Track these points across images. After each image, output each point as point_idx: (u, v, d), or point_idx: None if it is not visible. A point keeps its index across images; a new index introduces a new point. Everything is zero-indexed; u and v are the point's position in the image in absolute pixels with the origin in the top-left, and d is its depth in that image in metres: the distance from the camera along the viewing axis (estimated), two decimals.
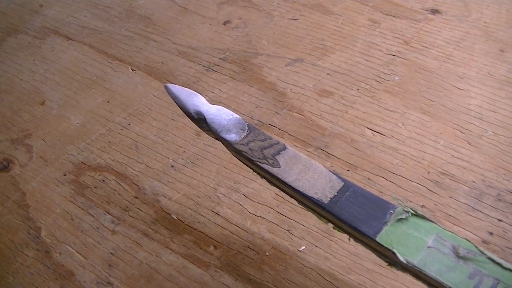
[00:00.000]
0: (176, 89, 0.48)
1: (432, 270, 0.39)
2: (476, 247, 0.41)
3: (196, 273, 0.49)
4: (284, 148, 0.47)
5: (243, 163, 0.47)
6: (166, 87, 0.49)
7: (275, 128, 0.62)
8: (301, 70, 0.70)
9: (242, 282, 0.49)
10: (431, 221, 0.43)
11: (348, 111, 0.63)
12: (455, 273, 0.40)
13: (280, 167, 0.46)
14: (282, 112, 0.64)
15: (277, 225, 0.52)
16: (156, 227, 0.54)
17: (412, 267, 0.40)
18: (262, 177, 0.46)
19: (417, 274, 0.40)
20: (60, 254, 0.53)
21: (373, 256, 0.39)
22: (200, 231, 0.53)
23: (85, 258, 0.52)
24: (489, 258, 0.40)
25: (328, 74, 0.68)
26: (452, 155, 0.57)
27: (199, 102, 0.48)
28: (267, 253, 0.50)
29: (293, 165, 0.46)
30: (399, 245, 0.42)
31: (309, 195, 0.44)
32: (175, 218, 0.54)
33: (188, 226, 0.53)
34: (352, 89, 0.66)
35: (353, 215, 0.43)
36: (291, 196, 0.45)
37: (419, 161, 0.57)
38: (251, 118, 0.63)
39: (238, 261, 0.50)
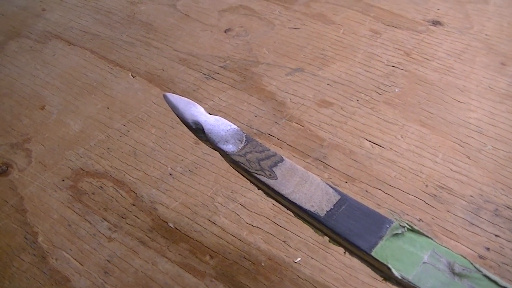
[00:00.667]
0: (175, 98, 0.48)
1: (427, 286, 0.39)
2: (472, 263, 0.41)
3: (192, 282, 0.49)
4: (282, 160, 0.47)
5: (240, 174, 0.47)
6: (164, 96, 0.49)
7: (274, 138, 0.62)
8: (301, 79, 0.70)
9: None
10: (427, 236, 0.43)
11: (347, 122, 0.63)
12: None
13: (277, 179, 0.46)
14: (281, 122, 0.64)
15: (273, 235, 0.52)
16: (152, 235, 0.54)
17: (407, 282, 0.40)
18: (259, 188, 0.46)
19: None
20: (56, 260, 0.53)
21: (368, 269, 0.39)
22: (196, 240, 0.53)
23: (81, 264, 0.52)
24: (485, 276, 0.40)
25: (328, 84, 0.68)
26: (451, 169, 0.57)
27: (197, 112, 0.48)
28: (263, 264, 0.50)
29: (290, 177, 0.46)
30: (394, 260, 0.42)
31: (306, 208, 0.44)
32: (172, 226, 0.54)
33: (185, 234, 0.53)
34: (352, 100, 0.66)
35: (349, 229, 0.43)
36: (288, 208, 0.45)
37: (417, 174, 0.57)
38: (250, 127, 0.63)
39: (233, 271, 0.50)
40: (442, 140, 0.60)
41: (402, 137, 0.61)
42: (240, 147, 0.47)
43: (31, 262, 0.53)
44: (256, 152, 0.48)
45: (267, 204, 0.55)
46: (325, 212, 0.44)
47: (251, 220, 0.54)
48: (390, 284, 0.38)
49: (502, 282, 0.39)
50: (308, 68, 0.71)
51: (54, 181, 0.60)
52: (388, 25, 0.78)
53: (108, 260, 0.52)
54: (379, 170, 0.57)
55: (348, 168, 0.58)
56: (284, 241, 0.52)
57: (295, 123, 0.63)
